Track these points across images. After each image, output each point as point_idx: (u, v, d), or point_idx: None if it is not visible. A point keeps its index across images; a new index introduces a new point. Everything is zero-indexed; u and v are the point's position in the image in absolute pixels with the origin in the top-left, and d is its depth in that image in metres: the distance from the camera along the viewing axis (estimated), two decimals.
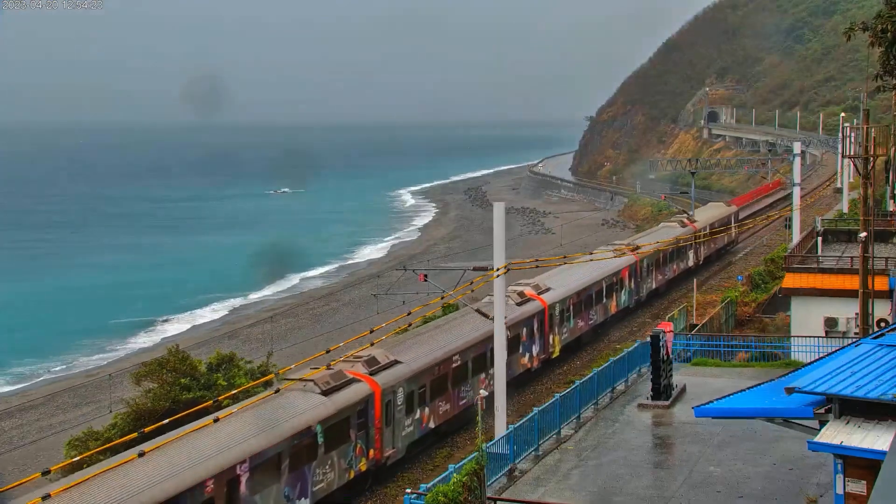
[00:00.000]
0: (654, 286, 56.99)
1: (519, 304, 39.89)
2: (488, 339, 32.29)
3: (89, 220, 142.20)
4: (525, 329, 39.89)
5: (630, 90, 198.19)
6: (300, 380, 27.31)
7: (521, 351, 39.52)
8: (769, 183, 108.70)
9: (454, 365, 33.97)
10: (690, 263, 63.47)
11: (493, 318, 26.36)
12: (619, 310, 51.24)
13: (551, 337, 42.54)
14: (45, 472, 17.63)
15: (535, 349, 41.02)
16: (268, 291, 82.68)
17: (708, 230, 65.22)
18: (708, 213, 71.84)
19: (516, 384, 38.53)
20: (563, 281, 45.65)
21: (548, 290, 43.22)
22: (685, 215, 67.19)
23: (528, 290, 41.98)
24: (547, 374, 42.88)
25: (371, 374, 29.02)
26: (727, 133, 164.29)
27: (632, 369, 30.67)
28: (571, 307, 44.88)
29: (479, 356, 35.61)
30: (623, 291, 51.73)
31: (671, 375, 27.81)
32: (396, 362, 30.68)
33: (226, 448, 22.70)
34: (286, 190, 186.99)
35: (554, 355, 43.00)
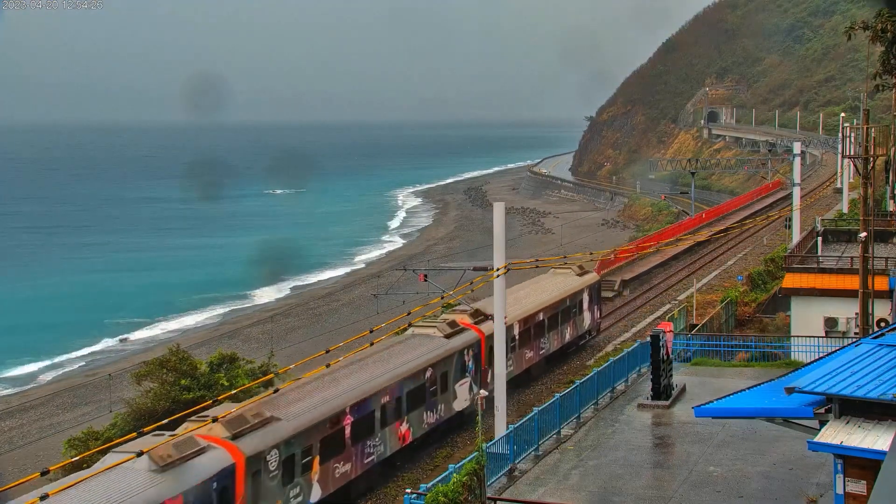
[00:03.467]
0: (321, 492, 25.61)
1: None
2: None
3: (87, 220, 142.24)
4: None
5: (630, 90, 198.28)
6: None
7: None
8: (768, 183, 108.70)
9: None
10: (459, 406, 33.73)
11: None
12: None
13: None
14: (45, 473, 17.61)
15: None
16: (267, 291, 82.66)
17: (517, 331, 37.67)
18: (531, 297, 41.24)
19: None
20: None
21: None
22: (465, 311, 36.46)
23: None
24: (547, 374, 42.86)
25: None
26: (727, 133, 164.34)
27: (632, 369, 30.67)
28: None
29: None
30: None
31: (671, 375, 27.80)
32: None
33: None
34: (285, 190, 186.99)
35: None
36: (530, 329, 39.35)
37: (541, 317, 40.43)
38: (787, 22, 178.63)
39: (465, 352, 34.07)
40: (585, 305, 45.50)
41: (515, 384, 37.49)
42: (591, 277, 47.10)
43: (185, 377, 32.00)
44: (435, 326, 33.78)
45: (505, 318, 26.38)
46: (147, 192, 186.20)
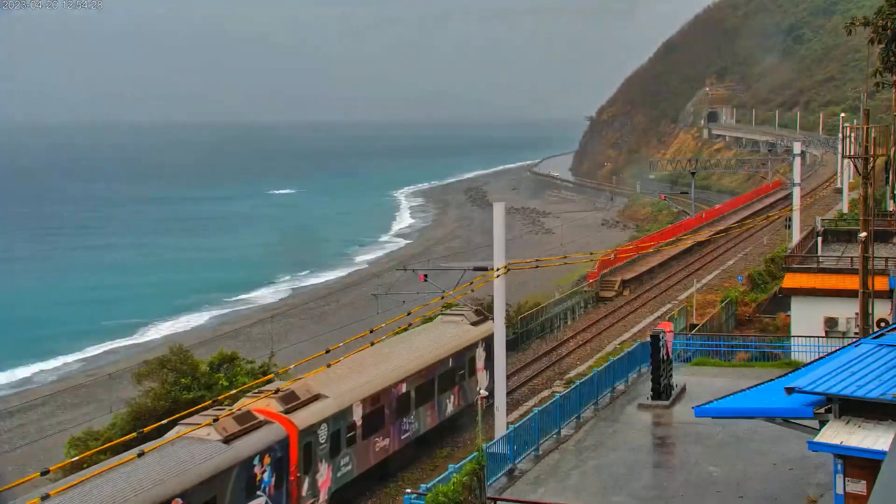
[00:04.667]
0: None
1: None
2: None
3: (87, 221, 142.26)
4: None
5: (630, 90, 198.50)
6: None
7: None
8: (768, 183, 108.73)
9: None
10: None
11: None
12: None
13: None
14: (45, 473, 17.62)
15: None
16: (267, 291, 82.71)
17: (359, 415, 28.66)
18: (392, 362, 31.72)
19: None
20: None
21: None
22: (274, 394, 26.06)
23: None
24: (546, 374, 42.89)
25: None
26: (727, 133, 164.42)
27: (632, 369, 30.65)
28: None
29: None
30: None
31: (671, 375, 27.79)
32: None
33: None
34: (286, 191, 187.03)
35: None
36: (383, 409, 29.90)
37: (404, 389, 31.01)
38: (787, 22, 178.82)
39: (259, 459, 23.79)
40: (480, 364, 35.99)
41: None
42: (491, 326, 32.11)
43: (185, 377, 32.04)
44: (213, 426, 22.91)
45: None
46: (147, 192, 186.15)
